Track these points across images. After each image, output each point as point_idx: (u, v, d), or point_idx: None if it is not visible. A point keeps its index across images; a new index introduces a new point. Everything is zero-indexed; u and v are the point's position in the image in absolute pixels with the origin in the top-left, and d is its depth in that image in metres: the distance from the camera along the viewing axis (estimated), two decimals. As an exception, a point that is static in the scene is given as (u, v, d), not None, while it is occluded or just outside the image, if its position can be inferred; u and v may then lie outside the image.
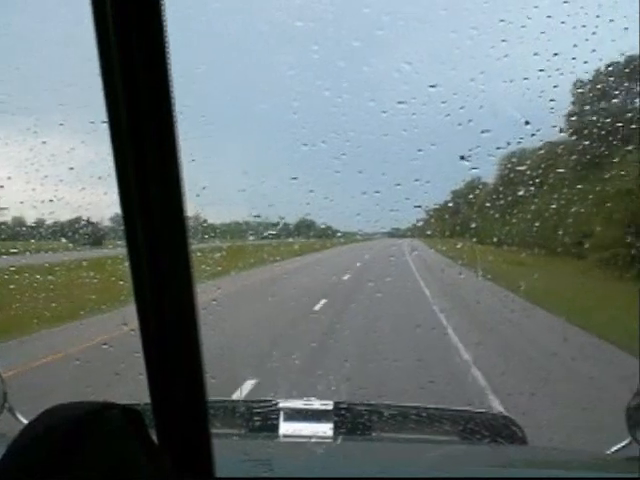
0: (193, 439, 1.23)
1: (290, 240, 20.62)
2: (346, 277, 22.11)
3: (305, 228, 19.84)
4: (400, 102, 8.22)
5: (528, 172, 24.10)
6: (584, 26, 9.17)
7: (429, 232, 24.85)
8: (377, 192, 9.07)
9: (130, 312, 1.29)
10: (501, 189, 26.06)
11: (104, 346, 9.46)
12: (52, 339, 11.41)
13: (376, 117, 8.85)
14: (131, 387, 3.43)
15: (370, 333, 12.40)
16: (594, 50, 9.27)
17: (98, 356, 9.36)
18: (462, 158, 8.40)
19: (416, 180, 9.06)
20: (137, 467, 1.10)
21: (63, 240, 13.53)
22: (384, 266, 22.80)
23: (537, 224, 23.43)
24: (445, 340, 11.66)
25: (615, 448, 2.37)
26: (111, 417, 1.10)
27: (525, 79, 8.92)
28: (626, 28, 9.78)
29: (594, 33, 8.97)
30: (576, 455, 2.82)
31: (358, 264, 27.42)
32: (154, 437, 1.19)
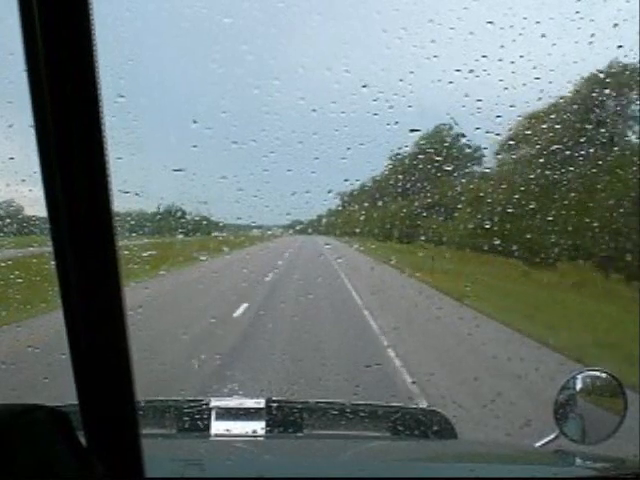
0: (122, 440, 1.22)
1: (220, 238, 20.29)
2: (269, 277, 21.81)
3: (233, 226, 19.53)
4: (332, 102, 8.27)
5: (455, 173, 23.64)
6: (512, 26, 9.41)
7: (358, 230, 22.34)
8: (307, 192, 9.10)
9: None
10: (428, 188, 25.08)
11: (29, 349, 9.19)
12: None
13: (306, 116, 8.89)
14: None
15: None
16: (521, 51, 9.52)
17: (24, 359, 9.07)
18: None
19: (345, 180, 9.13)
20: (65, 469, 1.08)
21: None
22: (312, 255, 26.79)
23: (471, 226, 22.72)
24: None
25: (543, 441, 2.44)
26: (38, 419, 1.08)
27: (453, 80, 9.08)
28: (553, 31, 10.08)
29: (521, 34, 9.21)
30: (505, 449, 2.89)
31: (280, 262, 27.37)
32: (82, 439, 1.17)
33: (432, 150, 18.51)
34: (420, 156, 17.74)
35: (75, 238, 1.14)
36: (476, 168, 24.79)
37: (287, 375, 8.92)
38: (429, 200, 21.72)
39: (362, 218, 19.30)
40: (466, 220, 21.06)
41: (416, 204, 22.47)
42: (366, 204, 21.02)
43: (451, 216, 22.91)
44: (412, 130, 8.66)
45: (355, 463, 2.29)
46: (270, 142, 8.71)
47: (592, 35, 9.77)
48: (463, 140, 19.73)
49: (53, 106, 1.10)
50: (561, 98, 18.31)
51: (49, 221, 1.15)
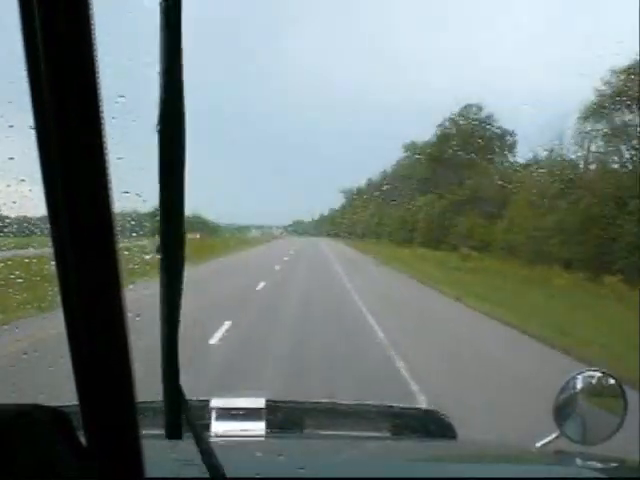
0: (122, 440, 1.22)
1: (219, 240, 20.25)
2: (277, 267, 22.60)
3: (233, 225, 19.45)
4: (334, 102, 8.28)
5: (495, 161, 21.99)
6: (515, 27, 9.39)
7: (368, 231, 17.99)
8: (309, 192, 9.11)
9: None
10: (460, 178, 23.53)
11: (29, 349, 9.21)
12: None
13: (308, 116, 8.90)
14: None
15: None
16: (523, 52, 9.49)
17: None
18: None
19: (348, 182, 9.08)
20: (66, 469, 1.08)
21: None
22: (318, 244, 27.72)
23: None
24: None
25: (544, 442, 2.44)
26: (39, 419, 1.07)
27: (456, 80, 9.08)
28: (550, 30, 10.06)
29: (523, 35, 9.17)
30: (505, 449, 2.89)
31: (287, 257, 28.11)
32: (82, 439, 1.17)
33: (461, 133, 14.71)
34: (446, 141, 14.28)
35: (75, 239, 1.14)
36: (509, 157, 21.48)
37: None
38: (467, 191, 16.52)
39: (374, 218, 15.91)
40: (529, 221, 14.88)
41: (444, 200, 16.58)
42: (378, 201, 17.58)
43: (499, 214, 17.49)
44: (415, 131, 8.68)
45: (355, 463, 2.29)
46: (272, 142, 8.75)
47: (593, 36, 9.76)
48: (497, 123, 15.78)
49: (53, 106, 1.09)
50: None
51: (49, 221, 1.15)
